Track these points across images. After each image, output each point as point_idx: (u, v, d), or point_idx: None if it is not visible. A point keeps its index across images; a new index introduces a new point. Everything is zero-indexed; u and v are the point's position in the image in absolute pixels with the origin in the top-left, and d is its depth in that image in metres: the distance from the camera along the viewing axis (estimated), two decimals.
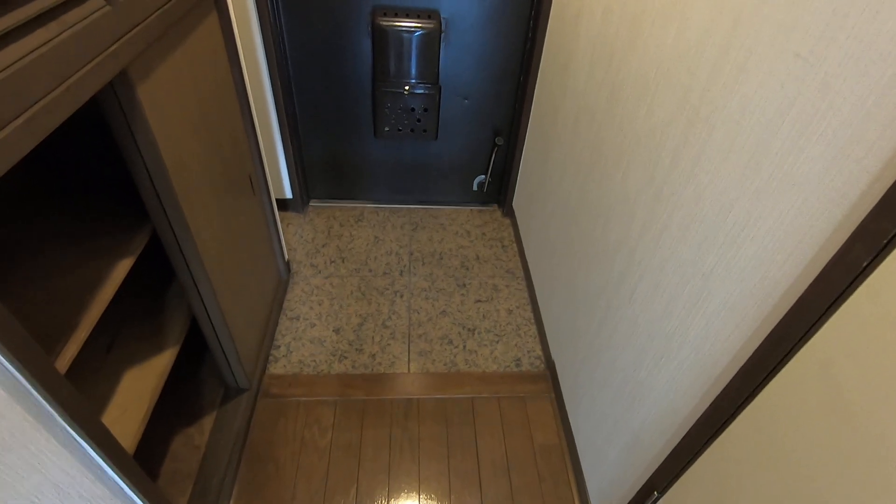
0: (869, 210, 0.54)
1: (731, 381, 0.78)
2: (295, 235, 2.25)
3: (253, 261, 1.59)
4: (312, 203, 2.44)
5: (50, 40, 0.61)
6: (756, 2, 0.73)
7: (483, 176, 2.38)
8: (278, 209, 1.87)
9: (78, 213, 1.11)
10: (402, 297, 2.00)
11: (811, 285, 0.61)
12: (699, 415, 0.88)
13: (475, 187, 2.42)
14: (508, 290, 2.07)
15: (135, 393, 1.15)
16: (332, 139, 2.21)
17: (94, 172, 1.22)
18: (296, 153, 2.17)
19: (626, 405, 1.17)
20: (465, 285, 2.08)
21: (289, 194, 2.30)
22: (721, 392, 0.81)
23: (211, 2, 1.20)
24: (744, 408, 0.75)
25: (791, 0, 0.66)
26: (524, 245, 2.19)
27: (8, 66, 0.55)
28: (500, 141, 2.22)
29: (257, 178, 1.59)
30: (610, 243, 1.26)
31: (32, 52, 0.58)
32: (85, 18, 0.68)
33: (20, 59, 0.57)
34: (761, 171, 0.72)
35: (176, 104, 1.02)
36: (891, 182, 0.52)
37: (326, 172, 2.34)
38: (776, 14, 0.69)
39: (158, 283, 1.39)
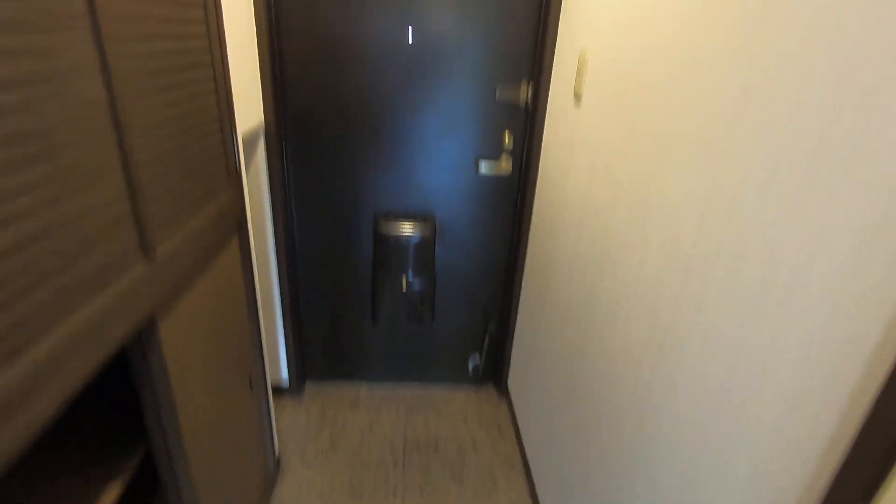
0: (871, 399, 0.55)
1: None
2: (288, 421, 2.21)
3: (243, 462, 1.55)
4: (308, 384, 2.44)
5: (96, 309, 0.71)
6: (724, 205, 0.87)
7: (477, 357, 2.43)
8: (273, 394, 1.88)
9: (66, 427, 1.13)
10: (395, 494, 1.90)
11: (836, 478, 0.59)
12: None
13: (470, 370, 2.46)
14: (507, 483, 1.97)
15: None
16: (332, 327, 2.31)
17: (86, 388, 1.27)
18: (296, 346, 2.25)
19: None
20: (461, 479, 1.98)
21: (286, 383, 2.32)
22: None
23: (235, 230, 1.38)
24: None
25: (761, 189, 0.80)
26: (521, 429, 2.14)
27: (60, 341, 0.64)
28: (492, 327, 2.32)
29: (257, 376, 1.64)
30: (615, 443, 1.26)
31: (81, 323, 0.68)
32: (127, 280, 0.80)
33: (70, 331, 0.66)
34: (753, 354, 0.76)
35: (192, 328, 1.11)
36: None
37: (325, 356, 2.39)
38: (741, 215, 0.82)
39: (140, 490, 1.33)
